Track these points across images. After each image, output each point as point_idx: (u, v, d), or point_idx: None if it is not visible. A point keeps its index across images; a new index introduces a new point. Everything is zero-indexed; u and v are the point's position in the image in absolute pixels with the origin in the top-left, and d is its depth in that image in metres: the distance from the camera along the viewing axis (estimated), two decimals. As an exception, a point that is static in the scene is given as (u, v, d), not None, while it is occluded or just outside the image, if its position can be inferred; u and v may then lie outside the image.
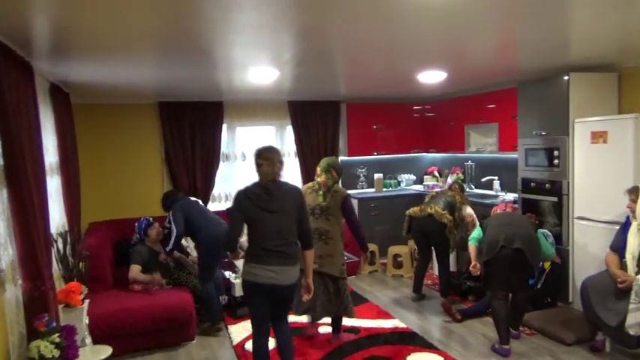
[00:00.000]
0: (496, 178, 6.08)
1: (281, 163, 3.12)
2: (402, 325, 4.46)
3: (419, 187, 7.10)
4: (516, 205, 4.90)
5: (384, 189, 7.02)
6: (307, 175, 6.46)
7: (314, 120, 6.55)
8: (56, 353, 2.65)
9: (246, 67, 3.96)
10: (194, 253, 5.02)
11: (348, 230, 4.08)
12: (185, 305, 4.15)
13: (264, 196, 3.04)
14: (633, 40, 3.47)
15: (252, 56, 3.54)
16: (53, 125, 4.02)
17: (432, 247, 5.11)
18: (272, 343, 3.26)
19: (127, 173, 5.74)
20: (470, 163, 6.54)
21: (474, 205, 5.04)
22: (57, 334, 2.72)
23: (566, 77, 4.43)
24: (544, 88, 4.69)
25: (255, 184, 3.12)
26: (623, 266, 3.59)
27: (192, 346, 4.20)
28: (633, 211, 3.58)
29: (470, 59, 4.09)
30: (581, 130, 4.37)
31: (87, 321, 3.37)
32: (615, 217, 4.00)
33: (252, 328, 3.20)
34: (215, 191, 6.20)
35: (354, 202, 5.15)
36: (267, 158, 3.06)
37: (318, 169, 4.02)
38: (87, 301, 3.30)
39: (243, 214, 3.06)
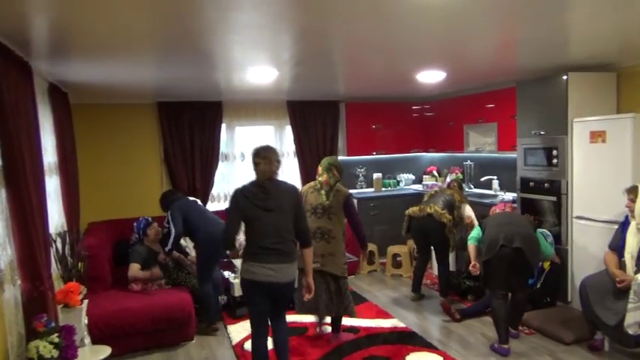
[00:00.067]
0: (495, 177, 6.09)
1: (278, 162, 3.14)
2: (401, 324, 4.47)
3: (418, 187, 7.10)
4: (515, 205, 4.90)
5: (383, 189, 7.02)
6: (306, 174, 6.46)
7: (313, 120, 6.55)
8: (55, 353, 2.64)
9: (245, 67, 3.96)
10: (193, 253, 5.01)
11: (348, 229, 4.08)
12: (184, 305, 4.15)
13: (260, 195, 3.06)
14: (632, 40, 3.47)
15: (251, 56, 3.54)
16: (52, 125, 4.02)
17: (432, 247, 5.12)
18: (271, 343, 3.26)
19: (126, 173, 5.73)
20: (469, 162, 6.55)
21: (472, 205, 5.04)
22: (56, 335, 2.71)
23: (564, 77, 4.43)
24: (543, 88, 4.69)
25: (252, 183, 3.14)
26: (622, 265, 3.60)
27: (192, 346, 4.20)
28: (632, 211, 3.59)
29: (469, 59, 4.09)
30: (579, 129, 4.37)
31: (86, 321, 3.37)
32: (614, 217, 4.00)
33: (251, 327, 3.21)
34: (214, 191, 6.19)
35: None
36: (265, 157, 3.08)
37: (320, 169, 4.02)
38: (86, 301, 3.29)
39: (240, 212, 3.08)
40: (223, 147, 6.20)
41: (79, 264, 3.53)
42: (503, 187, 5.94)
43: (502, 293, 3.88)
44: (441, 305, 4.78)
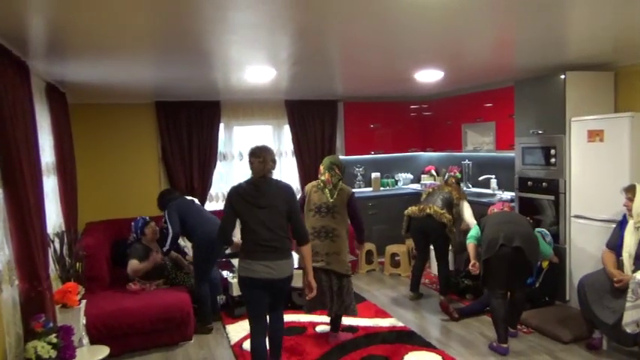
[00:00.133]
0: (493, 176, 6.10)
1: (273, 161, 3.21)
2: (399, 324, 4.47)
3: (416, 186, 7.11)
4: (513, 204, 4.91)
5: (382, 188, 7.03)
6: (305, 174, 6.46)
7: (311, 119, 6.55)
8: (53, 354, 2.64)
9: (242, 67, 3.95)
10: (191, 253, 5.01)
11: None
12: (182, 305, 4.14)
13: (253, 192, 3.14)
14: (630, 39, 3.48)
15: (248, 55, 3.53)
16: (50, 125, 4.01)
17: (431, 246, 5.11)
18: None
19: (124, 173, 5.73)
20: (467, 162, 6.55)
21: (471, 204, 5.04)
22: (54, 335, 2.71)
23: (562, 76, 4.44)
24: (541, 87, 4.70)
25: (246, 181, 3.23)
26: (619, 264, 3.60)
27: (190, 346, 4.20)
28: (630, 210, 3.60)
29: (467, 58, 4.09)
30: (577, 128, 4.38)
31: (84, 321, 3.37)
32: (612, 216, 4.01)
33: (250, 325, 3.24)
34: (212, 191, 6.19)
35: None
36: (259, 156, 3.16)
37: (322, 168, 4.03)
38: (84, 302, 3.29)
39: (234, 209, 3.16)
40: (221, 146, 6.19)
41: (77, 264, 3.52)
42: (502, 187, 5.94)
43: (501, 292, 3.88)
44: (439, 304, 4.78)
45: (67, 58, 3.34)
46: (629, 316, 3.27)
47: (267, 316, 3.29)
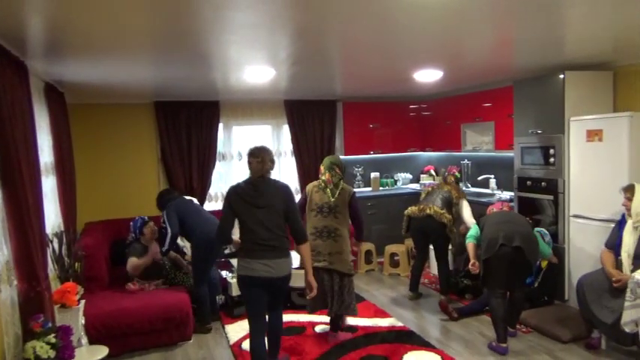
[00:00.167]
0: (492, 176, 6.10)
1: (272, 161, 3.24)
2: (399, 323, 4.47)
3: (415, 186, 7.11)
4: (512, 204, 4.91)
5: (381, 188, 7.03)
6: (304, 174, 6.46)
7: (310, 119, 6.55)
8: (52, 354, 2.64)
9: (242, 67, 3.95)
10: (190, 253, 5.01)
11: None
12: (182, 305, 4.14)
13: (251, 192, 3.17)
14: (629, 39, 3.48)
15: (247, 55, 3.53)
16: (48, 125, 4.00)
17: (430, 246, 5.11)
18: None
19: (123, 173, 5.72)
20: (466, 161, 6.55)
21: (470, 204, 5.03)
22: (53, 335, 2.71)
23: (561, 76, 4.44)
24: (540, 87, 4.70)
25: (245, 181, 3.26)
26: (618, 264, 3.60)
27: (189, 346, 4.19)
28: (628, 209, 3.60)
29: (466, 58, 4.09)
30: (576, 128, 4.38)
31: (83, 321, 3.36)
32: (611, 215, 4.01)
33: (249, 325, 3.25)
34: (211, 190, 6.19)
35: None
36: (257, 156, 3.19)
37: (322, 168, 4.04)
38: (83, 302, 3.29)
39: (233, 209, 3.18)
40: (221, 146, 6.19)
41: (76, 264, 3.52)
42: (501, 186, 5.95)
43: (501, 292, 3.89)
44: (439, 304, 4.77)
45: (65, 58, 3.33)
46: (627, 316, 3.28)
47: (267, 316, 3.30)
